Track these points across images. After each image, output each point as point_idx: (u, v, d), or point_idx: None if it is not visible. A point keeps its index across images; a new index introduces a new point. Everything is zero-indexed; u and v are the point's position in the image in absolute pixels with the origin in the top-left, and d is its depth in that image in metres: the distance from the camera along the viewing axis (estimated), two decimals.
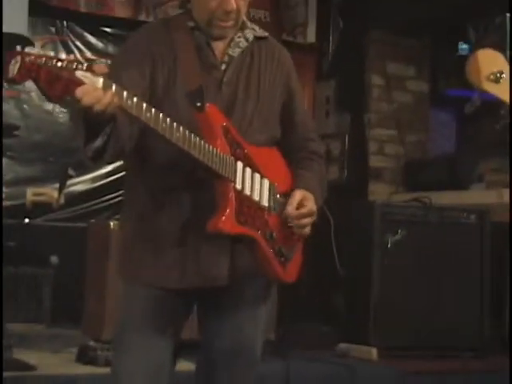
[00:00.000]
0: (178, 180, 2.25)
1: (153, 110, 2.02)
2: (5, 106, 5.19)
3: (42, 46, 5.44)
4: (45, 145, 5.39)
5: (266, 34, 2.48)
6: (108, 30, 5.59)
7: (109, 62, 5.54)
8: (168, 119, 2.05)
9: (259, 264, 2.30)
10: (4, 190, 4.88)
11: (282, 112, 2.45)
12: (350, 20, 5.87)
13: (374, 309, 4.34)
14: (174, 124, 2.06)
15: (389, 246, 4.33)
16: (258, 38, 2.43)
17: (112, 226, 4.02)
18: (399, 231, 4.35)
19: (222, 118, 2.23)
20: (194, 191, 2.24)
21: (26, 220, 5.07)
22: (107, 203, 5.45)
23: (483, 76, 1.53)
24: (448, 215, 4.51)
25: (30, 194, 5.20)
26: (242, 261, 2.29)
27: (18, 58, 1.81)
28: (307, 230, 2.35)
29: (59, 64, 1.85)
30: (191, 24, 2.34)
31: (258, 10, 5.91)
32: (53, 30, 5.49)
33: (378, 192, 5.62)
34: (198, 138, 2.11)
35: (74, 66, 1.87)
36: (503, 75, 1.53)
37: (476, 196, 4.92)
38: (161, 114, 2.04)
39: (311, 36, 6.06)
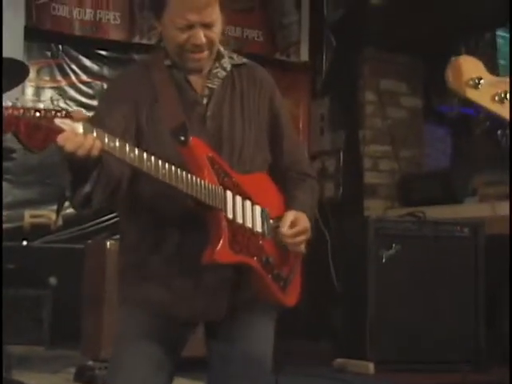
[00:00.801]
0: (169, 215, 2.23)
1: (136, 150, 2.01)
2: None
3: (38, 70, 5.49)
4: (42, 167, 5.39)
5: (244, 60, 2.44)
6: (103, 52, 5.64)
7: (104, 85, 5.63)
8: (152, 157, 2.04)
9: (259, 290, 2.28)
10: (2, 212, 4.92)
11: (270, 136, 2.43)
12: (343, 38, 5.92)
13: (371, 323, 4.36)
14: (159, 161, 2.05)
15: (383, 260, 4.36)
16: (236, 65, 2.40)
17: (108, 246, 4.04)
18: (393, 246, 4.38)
19: (207, 149, 2.21)
20: (186, 224, 2.22)
21: (25, 242, 5.11)
22: (104, 224, 5.47)
23: (463, 82, 1.56)
24: (442, 229, 4.54)
25: (28, 216, 5.25)
26: (241, 290, 2.27)
27: None
28: (302, 247, 2.34)
29: (38, 114, 1.84)
30: (168, 62, 2.31)
31: (252, 29, 5.97)
32: (48, 54, 5.54)
33: (374, 208, 5.65)
34: (184, 172, 2.09)
35: (53, 114, 1.86)
36: (482, 81, 1.56)
37: (470, 209, 4.95)
38: (145, 153, 2.03)
39: (304, 55, 6.13)
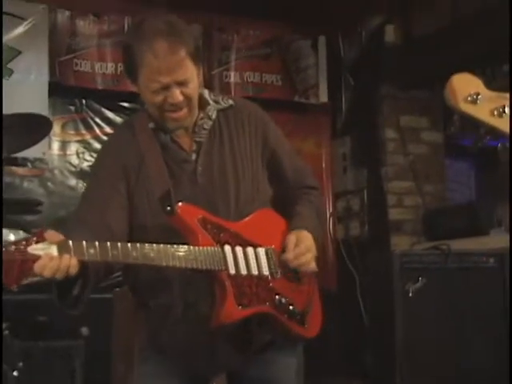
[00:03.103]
0: (173, 280, 2.22)
1: (119, 245, 1.99)
2: (29, 185, 5.34)
3: (63, 125, 5.60)
4: None
5: (231, 101, 2.42)
6: (125, 104, 5.71)
7: None
8: (138, 245, 2.02)
9: (276, 330, 2.29)
10: None
11: (270, 170, 2.42)
12: (360, 77, 5.97)
13: (400, 357, 4.33)
14: (146, 246, 2.03)
15: (410, 294, 4.34)
16: (223, 110, 2.39)
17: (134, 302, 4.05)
18: (420, 279, 4.37)
19: (197, 211, 2.19)
20: (192, 286, 2.21)
21: None
22: None
23: (460, 98, 1.58)
24: (468, 260, 4.52)
25: None
26: (259, 334, 2.28)
27: None
28: (312, 265, 2.31)
29: (10, 249, 1.84)
30: (151, 125, 2.31)
31: (270, 74, 6.05)
32: (72, 108, 5.63)
33: (400, 244, 5.63)
34: (174, 249, 2.07)
35: (24, 244, 1.86)
36: (479, 96, 1.58)
37: (496, 240, 4.92)
38: (129, 245, 2.01)
39: (323, 96, 6.17)
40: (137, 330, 2.41)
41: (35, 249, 1.87)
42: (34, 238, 1.89)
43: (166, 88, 2.20)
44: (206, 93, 2.40)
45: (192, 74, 2.23)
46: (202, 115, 2.35)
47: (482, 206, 5.39)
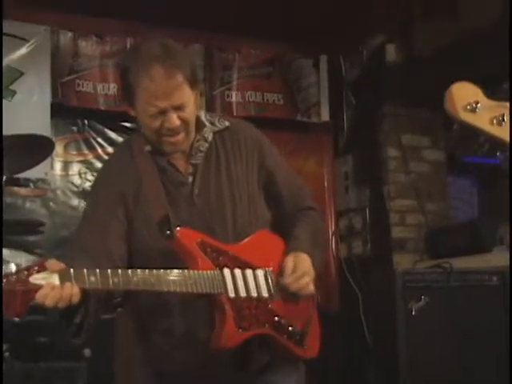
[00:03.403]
0: (171, 303, 2.23)
1: (119, 271, 2.00)
2: (31, 205, 5.35)
3: (65, 145, 5.61)
4: None
5: (227, 123, 2.42)
6: (127, 124, 5.72)
7: None
8: (139, 271, 2.03)
9: (277, 352, 2.29)
10: None
11: (266, 192, 2.42)
12: (362, 96, 5.99)
13: (403, 376, 4.30)
14: (146, 272, 2.03)
15: (413, 313, 4.33)
16: (219, 132, 2.39)
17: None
18: (423, 298, 4.36)
19: (195, 235, 2.19)
20: (191, 309, 2.22)
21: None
22: None
23: (460, 107, 1.59)
24: (470, 278, 4.50)
25: None
26: (259, 355, 2.28)
27: None
28: (310, 288, 2.32)
29: (12, 279, 1.84)
30: (148, 148, 2.32)
31: (272, 93, 6.06)
32: (74, 129, 5.65)
33: (403, 262, 5.62)
34: (174, 273, 2.07)
35: (26, 273, 1.86)
36: (479, 105, 1.59)
37: (498, 258, 4.91)
38: (129, 271, 2.02)
39: (325, 115, 6.18)
40: (136, 353, 2.39)
41: (37, 278, 1.87)
42: (36, 268, 1.89)
43: (163, 112, 2.20)
44: (202, 115, 2.41)
45: (189, 98, 2.24)
46: (198, 137, 2.36)
47: (485, 224, 5.38)
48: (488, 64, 5.07)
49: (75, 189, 5.57)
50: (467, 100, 1.59)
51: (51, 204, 5.48)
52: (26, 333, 4.33)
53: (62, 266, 1.95)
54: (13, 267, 4.53)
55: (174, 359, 2.27)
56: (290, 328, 2.28)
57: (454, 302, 4.43)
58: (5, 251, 3.81)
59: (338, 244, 6.00)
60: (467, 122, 1.58)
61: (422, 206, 5.82)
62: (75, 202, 5.53)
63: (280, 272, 2.30)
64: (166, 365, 2.30)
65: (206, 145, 2.35)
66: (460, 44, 5.06)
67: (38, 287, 1.87)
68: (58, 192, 5.50)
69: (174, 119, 2.21)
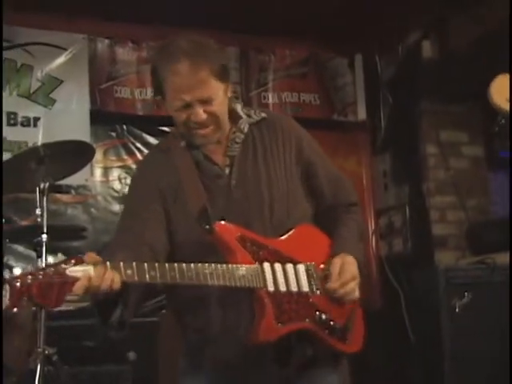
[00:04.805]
0: (211, 296, 2.22)
1: (156, 265, 2.00)
2: (73, 211, 5.43)
3: (105, 151, 5.67)
4: None
5: (263, 114, 2.41)
6: (165, 128, 5.70)
7: None
8: (176, 265, 2.02)
9: (318, 347, 2.27)
10: None
11: (306, 184, 2.40)
12: (399, 93, 5.97)
13: (447, 374, 4.28)
14: (184, 266, 2.03)
15: (457, 310, 4.30)
16: (256, 123, 2.38)
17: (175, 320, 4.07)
18: (466, 294, 4.33)
19: (235, 229, 2.19)
20: (229, 308, 2.22)
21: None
22: None
23: (505, 99, 1.60)
24: None
25: None
26: (301, 349, 2.26)
27: (7, 286, 1.83)
28: (356, 293, 2.30)
29: (48, 271, 1.86)
30: (183, 144, 2.32)
31: (308, 93, 6.07)
32: (113, 134, 5.71)
33: (444, 259, 5.58)
34: (212, 266, 2.08)
35: (63, 266, 1.88)
36: None
37: None
38: (166, 265, 2.02)
39: (362, 113, 6.18)
40: (179, 350, 2.41)
41: (74, 271, 1.89)
42: (73, 261, 1.91)
43: (189, 106, 2.21)
44: (238, 107, 2.40)
45: (217, 91, 2.23)
46: (234, 129, 2.35)
47: None
48: None
49: (115, 194, 5.63)
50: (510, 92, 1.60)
51: (92, 210, 5.54)
52: (72, 337, 4.39)
53: (99, 258, 1.97)
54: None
55: (213, 355, 2.28)
56: (332, 323, 2.27)
57: (498, 298, 4.40)
58: (49, 257, 3.88)
59: (379, 242, 5.98)
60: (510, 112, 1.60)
61: (462, 202, 5.78)
62: (116, 207, 5.58)
63: (326, 274, 2.29)
64: (205, 361, 2.31)
65: (242, 136, 2.35)
66: (495, 38, 5.02)
67: (75, 279, 1.89)
68: (99, 198, 5.57)
69: (200, 113, 2.21)
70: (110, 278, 1.94)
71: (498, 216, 5.92)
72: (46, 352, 3.81)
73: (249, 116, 2.40)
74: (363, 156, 6.28)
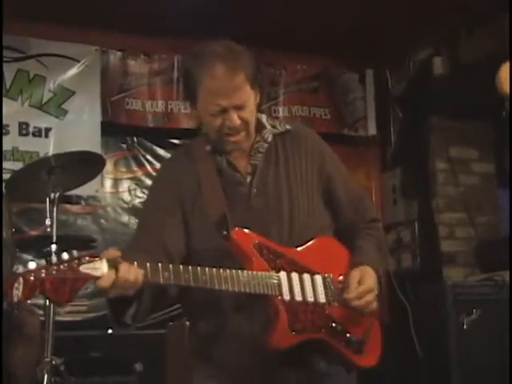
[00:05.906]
0: (225, 302, 2.22)
1: (170, 266, 2.01)
2: (83, 222, 5.44)
3: (115, 163, 5.69)
4: None
5: (288, 126, 2.42)
6: (175, 141, 5.76)
7: None
8: (190, 268, 2.02)
9: (333, 359, 2.27)
10: (86, 302, 5.05)
11: (326, 198, 2.39)
12: (409, 109, 5.98)
13: None
14: (198, 269, 2.03)
15: (465, 326, 4.30)
16: (279, 134, 2.39)
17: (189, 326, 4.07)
18: (474, 311, 4.32)
19: (252, 236, 2.19)
20: (243, 314, 2.21)
21: (110, 330, 5.21)
22: None
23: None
24: None
25: None
26: (315, 359, 2.26)
27: (20, 279, 1.84)
28: (373, 305, 2.28)
29: (62, 267, 1.87)
30: (208, 148, 2.32)
31: (318, 108, 6.09)
32: (124, 146, 5.73)
33: (453, 276, 5.57)
34: (227, 271, 2.07)
35: (77, 262, 1.89)
36: None
37: None
38: (180, 267, 2.02)
39: (372, 128, 6.19)
40: (187, 362, 2.41)
41: (87, 268, 1.90)
42: (87, 258, 1.91)
43: (224, 112, 2.22)
44: (263, 117, 2.41)
45: (249, 98, 2.25)
46: (258, 138, 2.36)
47: None
48: None
49: (125, 205, 5.64)
50: None
51: (102, 221, 5.56)
52: (79, 347, 4.39)
53: (117, 254, 1.97)
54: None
55: (225, 361, 2.27)
56: (348, 335, 2.26)
57: (506, 316, 4.38)
58: None
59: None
60: None
61: (471, 219, 5.77)
62: (125, 218, 5.60)
63: (344, 284, 2.28)
64: (217, 366, 2.30)
65: (266, 145, 2.35)
66: (506, 55, 5.02)
67: (88, 276, 1.89)
68: (109, 209, 5.58)
69: (235, 118, 2.22)
70: (136, 274, 1.94)
71: (507, 233, 5.90)
72: (54, 362, 3.82)
73: (273, 127, 2.41)
74: (373, 171, 6.28)
